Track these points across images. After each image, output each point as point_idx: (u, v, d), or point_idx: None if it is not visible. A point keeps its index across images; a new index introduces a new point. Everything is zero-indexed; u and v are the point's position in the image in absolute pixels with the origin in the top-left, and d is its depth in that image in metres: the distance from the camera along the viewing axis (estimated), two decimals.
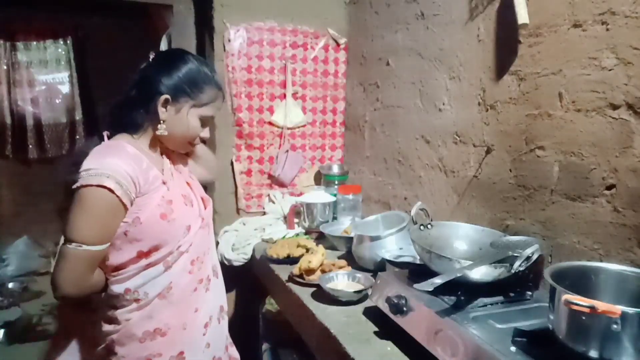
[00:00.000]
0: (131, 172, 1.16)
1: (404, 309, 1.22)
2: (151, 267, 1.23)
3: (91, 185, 1.11)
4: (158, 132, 1.27)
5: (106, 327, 1.24)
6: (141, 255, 1.21)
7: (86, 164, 1.15)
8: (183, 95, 1.27)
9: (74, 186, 1.13)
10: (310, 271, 1.72)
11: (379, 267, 1.70)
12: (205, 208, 1.44)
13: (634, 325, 0.82)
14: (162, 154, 1.38)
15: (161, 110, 1.26)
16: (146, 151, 1.30)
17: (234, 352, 1.62)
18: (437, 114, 1.90)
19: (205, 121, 1.35)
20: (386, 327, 1.32)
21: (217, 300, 1.45)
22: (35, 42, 4.82)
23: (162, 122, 1.27)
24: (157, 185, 1.24)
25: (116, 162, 1.15)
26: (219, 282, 1.49)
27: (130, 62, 1.45)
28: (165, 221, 1.22)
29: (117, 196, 1.13)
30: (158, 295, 1.24)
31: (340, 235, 2.12)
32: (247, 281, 2.31)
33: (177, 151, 1.42)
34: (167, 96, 1.26)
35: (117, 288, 1.22)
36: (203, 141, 1.43)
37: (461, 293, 1.16)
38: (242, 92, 2.47)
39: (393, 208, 2.22)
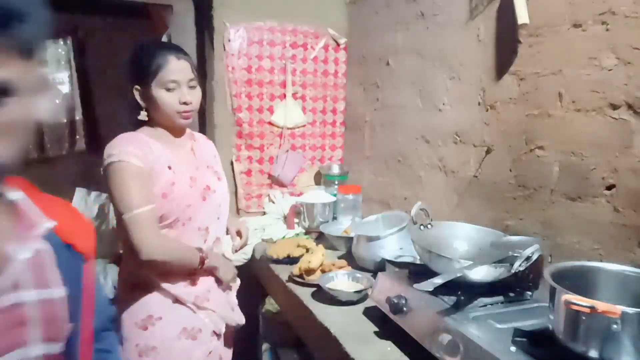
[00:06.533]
0: (137, 149, 1.36)
1: (404, 309, 1.22)
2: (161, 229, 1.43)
3: (112, 162, 1.33)
4: (140, 117, 1.46)
5: None
6: None
7: (105, 152, 1.37)
8: (143, 77, 1.41)
9: (101, 171, 1.36)
10: (310, 271, 1.72)
11: (379, 267, 1.69)
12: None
13: (634, 325, 0.82)
14: (192, 139, 1.58)
15: (139, 99, 1.45)
16: (164, 137, 1.48)
17: (238, 315, 1.69)
18: (437, 114, 1.90)
19: (171, 87, 1.41)
20: (386, 327, 1.32)
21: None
22: None
23: (143, 109, 1.46)
24: (164, 167, 1.41)
25: (123, 145, 1.36)
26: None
27: None
28: (166, 200, 1.39)
29: (136, 165, 1.33)
30: None
31: (340, 235, 2.12)
32: (247, 281, 2.30)
33: (180, 126, 1.51)
34: (136, 86, 1.43)
35: None
36: (185, 104, 1.45)
37: (461, 293, 1.16)
38: (242, 92, 2.47)
39: (393, 208, 2.22)
